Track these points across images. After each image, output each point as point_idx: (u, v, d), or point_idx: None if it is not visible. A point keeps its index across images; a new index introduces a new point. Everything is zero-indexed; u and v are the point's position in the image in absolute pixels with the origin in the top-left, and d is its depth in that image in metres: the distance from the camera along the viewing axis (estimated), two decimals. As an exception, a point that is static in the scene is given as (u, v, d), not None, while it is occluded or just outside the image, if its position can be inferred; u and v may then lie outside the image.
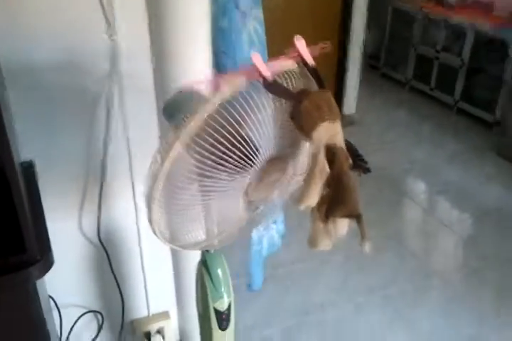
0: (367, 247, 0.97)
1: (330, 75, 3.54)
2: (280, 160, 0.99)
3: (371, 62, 4.64)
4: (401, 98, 4.23)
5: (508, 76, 3.35)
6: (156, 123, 1.39)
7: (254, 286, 1.95)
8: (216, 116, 0.88)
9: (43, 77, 1.25)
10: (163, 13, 1.24)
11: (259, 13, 1.60)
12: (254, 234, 1.82)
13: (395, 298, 2.14)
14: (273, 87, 0.86)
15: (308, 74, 0.91)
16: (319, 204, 0.94)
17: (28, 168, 1.21)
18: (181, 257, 1.56)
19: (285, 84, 0.95)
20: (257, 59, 0.85)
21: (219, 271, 1.18)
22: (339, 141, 0.88)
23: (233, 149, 0.90)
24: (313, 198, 0.93)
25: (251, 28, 1.60)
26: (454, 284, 2.23)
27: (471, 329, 2.00)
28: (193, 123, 0.86)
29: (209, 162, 0.90)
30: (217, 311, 1.21)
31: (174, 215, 1.01)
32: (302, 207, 0.98)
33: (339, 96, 3.61)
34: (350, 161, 0.92)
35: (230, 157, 0.90)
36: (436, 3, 4.01)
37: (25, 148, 1.21)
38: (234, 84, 0.87)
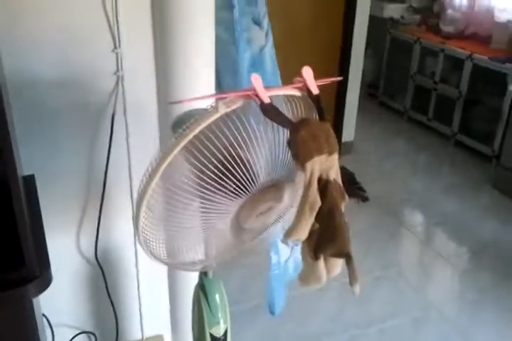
0: (357, 289, 0.96)
1: (329, 102, 3.58)
2: (277, 188, 0.97)
3: (370, 91, 4.70)
4: (399, 127, 4.27)
5: (506, 109, 3.39)
6: (158, 145, 1.40)
7: (276, 311, 1.91)
8: (214, 134, 0.87)
9: (45, 92, 1.26)
10: (168, 28, 1.25)
11: (272, 44, 1.62)
12: (274, 258, 1.79)
13: (391, 332, 2.11)
14: (269, 111, 0.85)
15: (312, 104, 0.90)
16: (308, 239, 0.91)
17: (29, 183, 1.21)
18: (178, 280, 1.55)
19: (288, 111, 0.96)
20: (257, 80, 0.85)
21: (216, 296, 1.16)
22: (334, 175, 0.87)
23: (229, 167, 0.89)
24: (301, 232, 0.90)
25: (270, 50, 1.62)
26: (451, 318, 2.20)
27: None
28: (190, 133, 0.84)
29: (203, 177, 0.89)
30: (213, 337, 1.19)
31: (170, 231, 1.00)
32: (291, 240, 0.96)
33: (338, 124, 3.64)
34: (347, 198, 0.90)
35: (225, 175, 0.89)
36: (434, 33, 4.08)
37: (26, 162, 1.21)
38: (230, 102, 0.85)
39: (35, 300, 1.00)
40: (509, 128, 3.28)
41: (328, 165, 0.86)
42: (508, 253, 2.64)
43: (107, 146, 1.34)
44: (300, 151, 0.85)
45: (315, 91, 0.89)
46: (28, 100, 1.25)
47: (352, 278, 0.93)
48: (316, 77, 0.91)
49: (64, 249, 1.42)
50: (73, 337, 1.52)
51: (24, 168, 1.20)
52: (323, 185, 0.86)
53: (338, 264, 0.94)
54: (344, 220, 0.89)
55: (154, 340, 1.65)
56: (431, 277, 2.51)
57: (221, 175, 0.90)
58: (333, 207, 0.87)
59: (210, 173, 0.89)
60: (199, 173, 0.90)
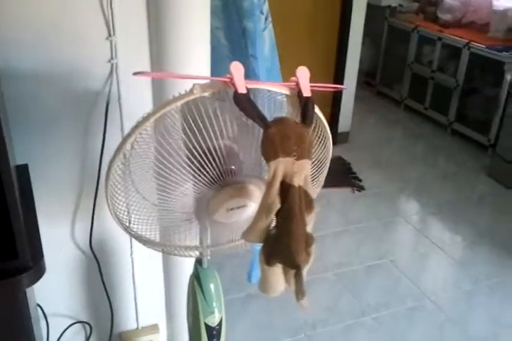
0: (304, 304, 0.93)
1: (326, 92, 3.56)
2: (252, 186, 0.95)
3: (367, 79, 4.68)
4: (396, 116, 4.26)
5: (503, 98, 3.38)
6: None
7: (253, 279, 1.91)
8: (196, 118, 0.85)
9: (38, 81, 1.24)
10: (163, 15, 1.23)
11: (271, 27, 1.60)
12: None
13: (386, 320, 2.12)
14: (242, 101, 0.81)
15: (298, 105, 0.86)
16: (265, 243, 0.89)
17: (23, 172, 1.19)
18: (173, 270, 1.54)
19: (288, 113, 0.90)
20: (236, 68, 0.81)
21: (211, 286, 1.16)
22: (301, 182, 0.83)
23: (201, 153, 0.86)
24: (255, 234, 0.88)
25: (271, 35, 1.60)
26: (446, 307, 2.21)
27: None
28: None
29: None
30: (208, 326, 1.19)
31: (163, 209, 1.00)
32: (247, 241, 0.94)
33: (335, 113, 3.63)
34: (315, 210, 0.86)
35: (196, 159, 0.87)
36: (431, 22, 4.05)
37: (19, 152, 1.20)
38: (207, 87, 0.83)
39: (29, 291, 0.99)
40: (505, 118, 3.28)
41: (294, 169, 0.82)
42: (503, 242, 2.65)
43: (102, 134, 1.32)
44: (266, 149, 0.83)
45: (306, 93, 0.85)
46: (20, 89, 1.23)
47: (298, 292, 0.91)
48: (314, 79, 0.86)
49: (58, 238, 1.41)
50: (68, 327, 1.52)
51: (17, 158, 1.19)
52: (286, 189, 0.83)
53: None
54: (304, 231, 0.85)
55: (149, 330, 1.65)
56: (426, 266, 2.52)
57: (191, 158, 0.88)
58: (291, 213, 0.84)
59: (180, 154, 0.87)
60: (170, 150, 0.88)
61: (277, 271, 0.90)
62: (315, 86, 0.87)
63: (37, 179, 1.20)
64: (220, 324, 1.20)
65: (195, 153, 0.89)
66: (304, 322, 2.09)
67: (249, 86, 0.83)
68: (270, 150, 0.82)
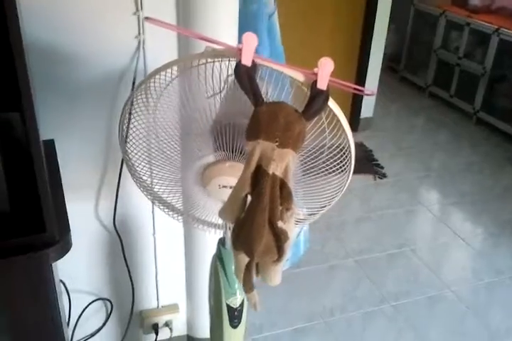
0: (252, 299, 0.96)
1: (350, 75, 3.51)
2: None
3: (391, 65, 4.59)
4: (420, 103, 4.18)
5: (533, 87, 3.30)
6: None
7: (289, 263, 1.91)
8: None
9: (65, 57, 1.23)
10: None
11: (276, 14, 1.56)
12: None
13: (405, 309, 2.10)
14: (242, 74, 0.77)
15: (307, 98, 0.79)
16: (234, 225, 0.86)
17: (49, 147, 1.19)
18: (195, 250, 1.54)
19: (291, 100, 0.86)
20: (248, 39, 0.77)
21: (234, 268, 1.15)
22: (279, 172, 0.79)
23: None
24: (226, 214, 0.86)
25: (273, 21, 1.56)
26: (467, 298, 2.18)
27: None
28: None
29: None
30: (229, 308, 1.19)
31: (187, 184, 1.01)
32: (221, 218, 0.91)
33: (357, 99, 3.57)
34: (293, 208, 0.82)
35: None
36: (460, 7, 3.94)
37: (45, 127, 1.19)
38: (219, 52, 0.81)
39: (54, 266, 0.99)
40: (535, 107, 3.19)
41: (273, 156, 0.78)
42: (526, 234, 2.61)
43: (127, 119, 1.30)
44: (250, 127, 0.79)
45: (321, 85, 0.78)
46: (47, 65, 1.21)
47: (244, 284, 0.91)
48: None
49: (82, 215, 1.41)
50: (90, 304, 1.53)
51: (44, 133, 1.18)
52: (259, 175, 0.79)
53: (270, 269, 0.88)
54: (263, 222, 0.80)
55: (170, 309, 1.66)
56: (447, 256, 2.48)
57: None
58: (257, 201, 0.80)
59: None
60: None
61: (242, 257, 0.88)
62: (335, 81, 0.80)
63: (62, 154, 1.20)
64: (241, 305, 1.20)
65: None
66: (322, 307, 2.08)
67: (257, 60, 0.79)
68: (253, 129, 0.79)
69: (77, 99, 1.29)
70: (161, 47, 1.28)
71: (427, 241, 2.58)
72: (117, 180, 1.37)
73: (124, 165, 1.35)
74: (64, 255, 0.92)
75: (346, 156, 0.90)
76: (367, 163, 3.15)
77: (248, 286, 0.90)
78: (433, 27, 4.12)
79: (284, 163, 0.79)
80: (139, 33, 1.25)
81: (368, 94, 0.94)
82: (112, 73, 1.28)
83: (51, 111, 1.26)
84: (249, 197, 0.83)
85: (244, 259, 0.87)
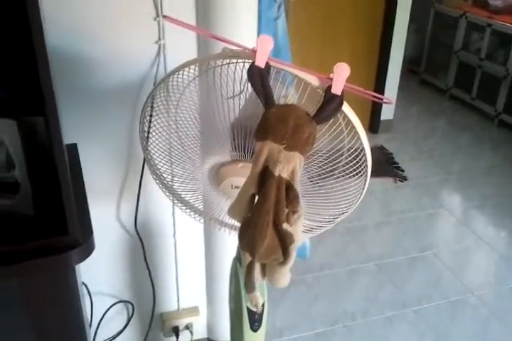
0: (252, 300, 0.93)
1: (369, 78, 3.48)
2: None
3: (411, 67, 4.55)
4: (440, 106, 4.13)
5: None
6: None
7: (302, 255, 1.89)
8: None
9: (87, 63, 1.24)
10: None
11: (283, 18, 1.56)
12: None
13: (428, 314, 2.07)
14: (255, 75, 0.77)
15: (320, 103, 0.78)
16: (241, 225, 0.87)
17: (72, 151, 1.20)
18: (215, 253, 1.54)
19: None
20: (263, 42, 0.77)
21: (254, 270, 1.15)
22: (286, 175, 0.79)
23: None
24: (234, 211, 0.87)
25: (277, 25, 1.56)
26: (490, 302, 2.14)
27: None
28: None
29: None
30: (250, 311, 1.18)
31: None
32: (230, 216, 0.92)
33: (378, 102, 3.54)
34: (300, 211, 0.82)
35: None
36: (481, 8, 3.89)
37: (68, 131, 1.21)
38: (236, 54, 0.81)
39: (76, 268, 1.00)
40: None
41: (280, 158, 0.78)
42: (551, 238, 2.55)
43: (148, 116, 1.31)
44: (259, 128, 0.80)
45: (335, 90, 0.77)
46: (70, 71, 1.23)
47: (245, 284, 0.90)
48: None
49: (104, 218, 1.42)
50: (111, 306, 1.54)
51: (67, 137, 1.20)
52: (266, 176, 0.80)
53: (276, 271, 0.88)
54: (266, 223, 0.80)
55: (190, 312, 1.66)
56: (470, 260, 2.44)
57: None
58: (262, 202, 0.80)
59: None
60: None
61: (247, 257, 0.88)
62: (350, 87, 0.79)
63: (85, 159, 1.21)
64: (262, 308, 1.19)
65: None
66: (343, 312, 2.06)
67: (271, 63, 0.79)
68: (262, 130, 0.79)
69: (99, 104, 1.30)
70: (181, 52, 1.29)
71: (449, 244, 2.54)
72: (138, 184, 1.39)
73: (146, 168, 1.36)
74: (87, 257, 0.93)
75: (362, 160, 0.89)
76: (387, 166, 3.12)
77: (249, 286, 0.90)
78: (453, 28, 4.08)
79: (291, 165, 0.79)
80: (159, 38, 1.27)
81: (386, 102, 0.92)
82: (133, 78, 1.30)
83: (74, 116, 1.28)
84: (257, 197, 0.84)
85: (248, 259, 0.87)
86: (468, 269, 2.37)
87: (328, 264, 2.31)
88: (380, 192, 2.90)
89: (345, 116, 0.83)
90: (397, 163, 3.22)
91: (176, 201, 1.12)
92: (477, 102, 3.93)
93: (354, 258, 2.37)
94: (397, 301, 2.13)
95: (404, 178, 3.09)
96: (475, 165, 3.24)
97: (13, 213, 0.94)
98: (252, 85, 0.79)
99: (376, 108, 3.52)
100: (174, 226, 1.50)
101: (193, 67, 0.89)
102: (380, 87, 3.51)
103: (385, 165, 3.22)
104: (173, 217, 1.49)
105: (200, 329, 1.70)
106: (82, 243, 0.91)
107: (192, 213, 1.13)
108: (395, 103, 3.62)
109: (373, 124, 3.55)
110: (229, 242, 1.45)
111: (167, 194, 1.11)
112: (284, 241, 0.84)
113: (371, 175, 0.99)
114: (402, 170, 3.15)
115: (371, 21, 3.34)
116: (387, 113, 3.59)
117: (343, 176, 0.94)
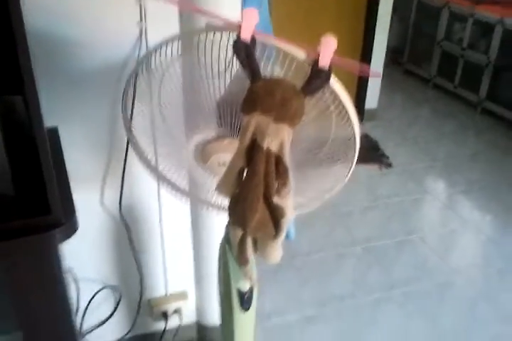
0: (246, 273, 0.95)
1: (352, 67, 3.49)
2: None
3: (395, 57, 4.57)
4: (424, 95, 4.16)
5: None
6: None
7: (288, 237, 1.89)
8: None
9: (67, 45, 1.22)
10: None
11: None
12: None
13: (416, 295, 2.09)
14: (241, 49, 0.77)
15: (307, 75, 0.78)
16: (229, 201, 0.87)
17: (53, 134, 1.19)
18: (203, 235, 1.54)
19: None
20: (249, 15, 0.77)
21: (242, 250, 1.14)
22: (275, 148, 0.79)
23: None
24: (222, 188, 0.87)
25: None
26: (477, 283, 2.17)
27: (494, 328, 1.94)
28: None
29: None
30: (239, 291, 1.18)
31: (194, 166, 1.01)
32: (218, 192, 0.91)
33: (361, 90, 3.55)
34: (289, 185, 0.81)
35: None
36: (463, -2, 3.93)
37: (49, 114, 1.19)
38: (217, 28, 0.80)
39: (61, 251, 0.99)
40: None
41: (268, 131, 0.78)
42: (536, 221, 2.58)
43: (131, 94, 1.30)
44: (246, 101, 0.79)
45: (322, 63, 0.76)
46: (49, 53, 1.22)
47: (237, 258, 0.92)
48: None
49: (88, 203, 1.41)
50: (98, 291, 1.53)
51: (47, 120, 1.18)
52: (254, 150, 0.79)
53: (268, 245, 0.89)
54: (257, 197, 0.80)
55: (178, 297, 1.65)
56: (456, 243, 2.47)
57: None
58: (251, 176, 0.80)
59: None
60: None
61: (238, 232, 0.89)
62: (338, 60, 0.78)
63: (66, 143, 1.20)
64: (251, 289, 1.19)
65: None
66: (331, 294, 2.07)
67: (257, 36, 0.79)
68: (249, 103, 0.79)
69: (80, 87, 1.29)
70: (164, 33, 1.27)
71: (435, 228, 2.57)
72: (122, 168, 1.38)
73: (129, 152, 1.35)
74: (70, 237, 0.92)
75: (351, 141, 0.89)
76: (372, 153, 3.13)
77: (243, 259, 0.90)
78: (436, 18, 4.10)
79: (280, 138, 0.78)
80: (141, 19, 1.25)
81: (373, 76, 0.93)
82: (115, 60, 1.28)
83: (54, 98, 1.26)
84: (245, 172, 0.83)
85: (239, 234, 0.87)
86: (454, 252, 2.39)
87: (316, 248, 2.32)
88: (365, 179, 2.92)
89: (332, 91, 0.84)
90: (382, 150, 3.25)
91: (161, 182, 1.11)
92: (460, 90, 3.96)
93: (341, 242, 2.38)
94: (385, 283, 2.15)
95: (390, 165, 3.11)
96: (459, 152, 3.28)
97: (-8, 193, 0.93)
98: (237, 59, 0.79)
99: (360, 97, 3.53)
100: (160, 211, 1.49)
101: (176, 42, 0.88)
102: (363, 77, 3.52)
103: (370, 153, 3.23)
104: (159, 202, 1.48)
105: (189, 313, 1.69)
106: (65, 222, 0.90)
107: (178, 194, 1.12)
108: (379, 92, 3.64)
109: (358, 113, 3.53)
110: (216, 224, 1.44)
111: (152, 175, 1.10)
112: (275, 215, 0.84)
113: (356, 162, 0.99)
114: (387, 157, 3.17)
115: (354, 11, 3.35)
116: (371, 102, 3.60)
117: (329, 159, 0.94)
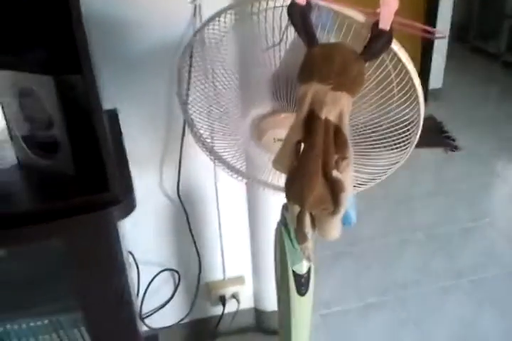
0: (305, 251, 0.90)
1: (415, 46, 3.34)
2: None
3: (460, 34, 4.34)
4: (492, 73, 3.94)
5: None
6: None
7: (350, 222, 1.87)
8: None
9: (122, 29, 1.22)
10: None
11: None
12: None
13: (484, 284, 1.98)
14: (295, 12, 0.73)
15: (367, 40, 0.73)
16: (287, 175, 0.83)
17: (112, 116, 1.19)
18: (259, 219, 1.52)
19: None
20: None
21: (300, 233, 1.11)
22: (333, 117, 0.74)
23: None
24: (279, 162, 0.83)
25: None
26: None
27: None
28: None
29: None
30: (296, 274, 1.15)
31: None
32: (274, 168, 0.87)
33: (425, 69, 3.40)
34: (349, 155, 0.77)
35: None
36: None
37: (109, 97, 1.19)
38: None
39: (119, 229, 0.99)
40: None
41: (326, 99, 0.73)
42: None
43: (187, 78, 1.28)
44: (302, 69, 0.75)
45: (383, 25, 0.71)
46: (105, 36, 1.21)
47: (296, 235, 0.87)
48: (402, 15, 0.72)
49: (147, 186, 1.41)
50: (157, 274, 1.54)
51: (108, 103, 1.18)
52: (312, 121, 0.74)
53: (327, 221, 0.84)
54: (316, 170, 0.75)
55: (235, 281, 1.64)
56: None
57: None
58: (310, 148, 0.75)
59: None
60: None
61: (296, 209, 0.84)
62: (399, 22, 0.73)
63: (124, 124, 1.20)
64: (308, 272, 1.16)
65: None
66: (393, 282, 2.00)
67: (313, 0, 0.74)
68: (306, 72, 0.74)
69: (137, 68, 1.28)
70: (217, 9, 1.25)
71: (504, 213, 2.42)
72: (179, 150, 1.36)
73: (186, 134, 1.34)
74: (128, 215, 0.92)
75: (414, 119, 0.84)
76: (437, 136, 3.00)
77: (301, 237, 0.86)
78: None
79: (339, 107, 0.73)
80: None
81: (439, 37, 0.86)
82: (170, 39, 1.27)
83: (113, 80, 1.26)
84: (302, 146, 0.79)
85: (297, 210, 0.83)
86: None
87: (378, 234, 2.24)
88: (430, 163, 2.80)
89: (394, 56, 0.78)
90: (448, 133, 3.09)
91: (217, 162, 1.09)
92: (532, 68, 3.72)
93: (403, 228, 2.29)
94: (451, 271, 2.05)
95: (456, 148, 2.96)
96: (530, 135, 3.08)
97: (54, 172, 0.94)
98: (292, 24, 0.75)
99: (424, 75, 3.38)
100: (217, 194, 1.48)
101: (230, 13, 0.85)
102: (426, 52, 3.36)
103: (435, 135, 3.09)
104: (216, 186, 1.46)
105: (246, 298, 1.68)
106: (123, 199, 0.89)
107: (234, 174, 1.10)
108: (443, 71, 3.47)
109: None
110: (273, 207, 1.41)
111: (208, 155, 1.08)
112: (334, 190, 0.79)
113: (420, 145, 0.93)
114: (453, 140, 3.02)
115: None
116: (435, 81, 3.45)
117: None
